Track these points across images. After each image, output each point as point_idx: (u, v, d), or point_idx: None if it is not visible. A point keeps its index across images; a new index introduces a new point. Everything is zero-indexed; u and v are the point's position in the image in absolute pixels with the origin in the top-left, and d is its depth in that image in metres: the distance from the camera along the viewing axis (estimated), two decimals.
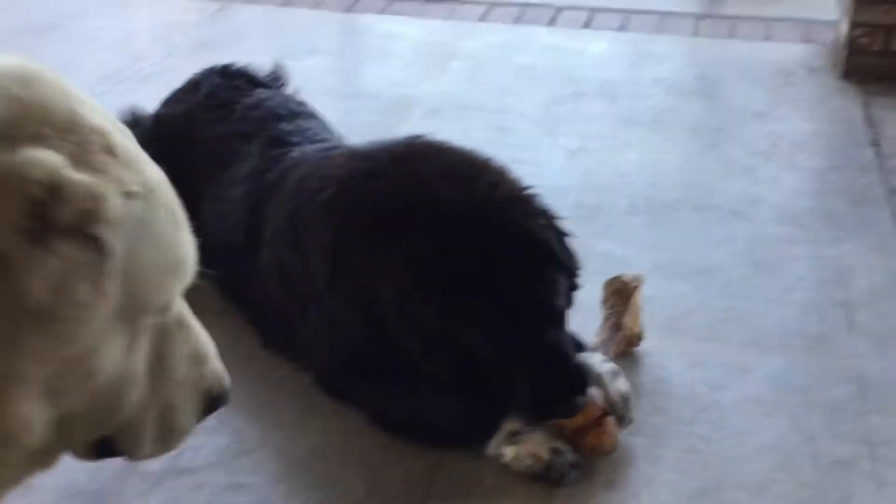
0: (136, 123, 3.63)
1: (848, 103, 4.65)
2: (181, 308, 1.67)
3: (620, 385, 2.70)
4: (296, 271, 2.87)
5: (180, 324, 1.65)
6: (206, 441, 2.72)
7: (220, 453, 2.68)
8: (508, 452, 2.57)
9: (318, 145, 3.24)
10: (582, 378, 2.56)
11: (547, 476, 2.54)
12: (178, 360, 1.66)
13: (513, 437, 2.58)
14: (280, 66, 3.78)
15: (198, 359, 1.71)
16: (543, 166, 4.16)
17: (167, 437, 1.74)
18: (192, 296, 1.71)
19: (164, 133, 3.48)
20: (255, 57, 3.91)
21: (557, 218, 2.77)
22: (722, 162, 4.20)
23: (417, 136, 2.93)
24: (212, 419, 2.71)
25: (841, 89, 4.78)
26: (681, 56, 5.26)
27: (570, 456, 2.56)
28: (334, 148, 3.19)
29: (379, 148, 2.91)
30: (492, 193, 2.67)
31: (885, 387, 2.90)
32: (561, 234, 2.74)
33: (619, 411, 2.66)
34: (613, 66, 5.14)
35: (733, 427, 2.76)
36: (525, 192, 2.75)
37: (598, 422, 2.61)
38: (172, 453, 2.58)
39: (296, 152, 3.19)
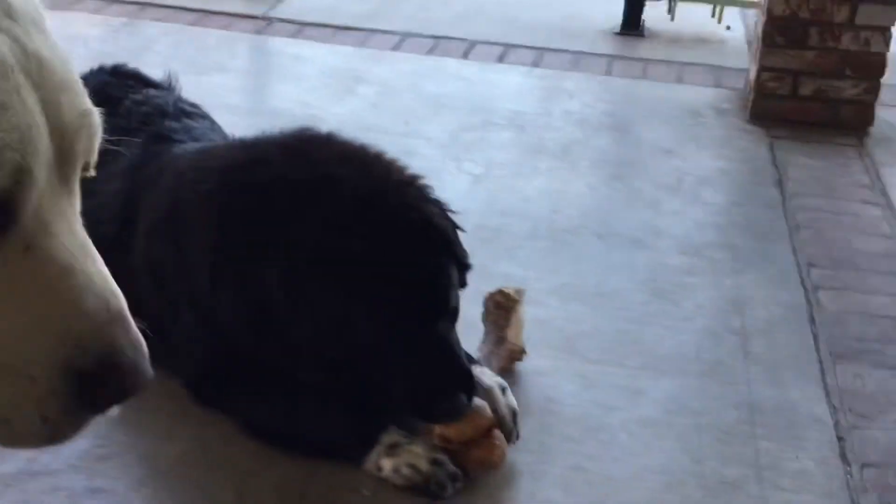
0: None
1: (754, 144, 4.65)
2: (46, 233, 1.24)
3: (510, 398, 2.61)
4: (171, 269, 2.74)
5: (31, 251, 1.22)
6: (69, 443, 2.55)
7: (81, 457, 2.52)
8: (386, 465, 2.45)
9: (197, 145, 3.11)
10: (468, 377, 2.45)
11: (426, 488, 2.43)
12: (13, 305, 1.21)
13: (391, 450, 2.46)
14: (173, 73, 3.65)
15: (60, 312, 1.22)
16: (446, 190, 3.98)
17: (5, 417, 1.24)
18: None
19: None
20: (157, 70, 3.80)
21: (450, 211, 2.67)
22: (626, 193, 4.16)
23: (306, 128, 2.82)
24: None
25: (748, 131, 4.79)
26: (592, 93, 5.23)
27: (450, 467, 2.44)
28: (217, 143, 3.07)
29: (264, 139, 2.79)
30: (389, 176, 2.59)
31: (774, 413, 2.85)
32: (454, 226, 2.64)
33: (507, 426, 2.57)
34: (524, 99, 5.10)
35: (622, 447, 2.68)
36: (421, 181, 2.66)
37: (487, 434, 2.51)
38: (31, 454, 2.48)
39: (177, 148, 3.07)
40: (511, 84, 5.28)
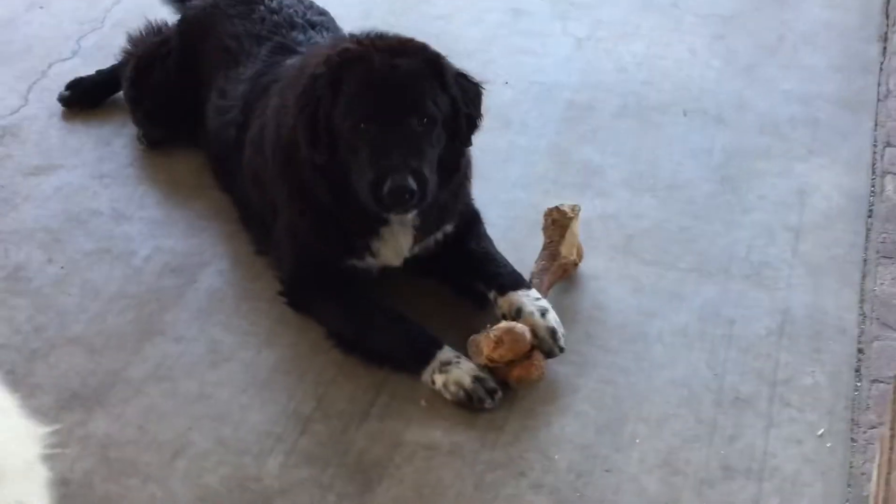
0: (158, 31, 3.93)
1: None
2: None
3: (549, 321, 2.98)
4: (264, 178, 3.21)
5: None
6: (186, 349, 3.10)
7: (197, 363, 3.06)
8: (438, 380, 2.91)
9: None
10: (405, 169, 2.87)
11: (470, 401, 2.88)
12: None
13: (444, 367, 2.91)
14: None
15: None
16: (547, 58, 4.32)
17: None
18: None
19: (190, 21, 3.80)
20: None
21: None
22: (724, 58, 4.28)
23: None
24: (193, 327, 3.13)
25: None
26: None
27: (489, 384, 2.88)
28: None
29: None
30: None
31: (804, 322, 3.12)
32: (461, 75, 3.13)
33: (546, 346, 2.95)
34: None
35: (653, 359, 3.03)
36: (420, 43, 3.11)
37: (527, 355, 2.91)
38: (156, 359, 3.04)
39: (291, 60, 3.44)
40: None
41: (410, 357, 2.98)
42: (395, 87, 2.94)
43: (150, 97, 3.80)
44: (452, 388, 2.89)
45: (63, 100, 4.00)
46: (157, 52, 3.82)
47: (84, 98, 4.01)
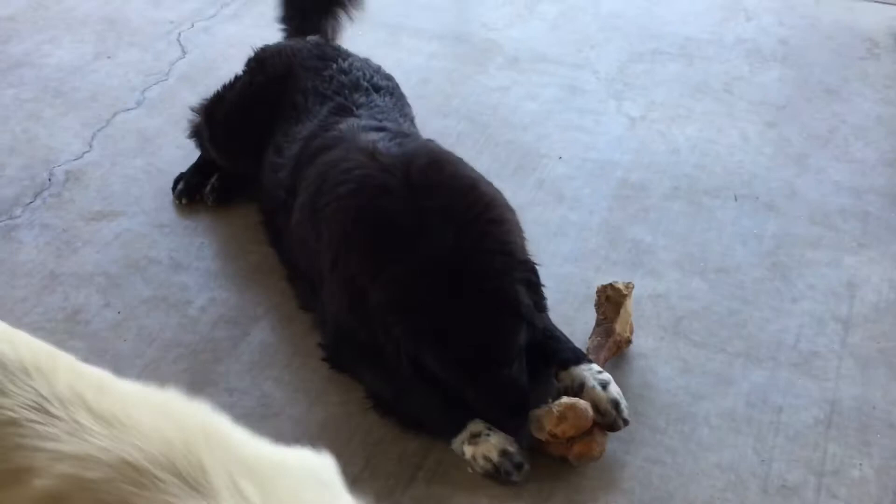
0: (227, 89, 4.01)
1: None
2: None
3: (612, 392, 2.99)
4: (312, 246, 3.25)
5: None
6: (237, 401, 3.14)
7: (248, 415, 3.09)
8: (468, 451, 2.93)
9: (364, 122, 3.53)
10: (519, 408, 2.91)
11: (497, 475, 2.90)
12: None
13: (473, 439, 2.94)
14: None
15: None
16: (600, 136, 4.38)
17: None
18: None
19: (268, 56, 3.90)
20: None
21: (534, 270, 3.09)
22: (775, 145, 4.32)
23: (434, 154, 3.25)
24: (245, 380, 3.16)
25: None
26: (771, 13, 5.29)
27: (516, 458, 2.89)
28: (375, 129, 3.45)
29: (399, 159, 3.17)
30: (478, 245, 2.99)
31: (852, 414, 3.12)
32: (533, 284, 3.06)
33: (609, 418, 2.96)
34: (700, 21, 5.21)
35: (700, 441, 3.04)
36: (508, 246, 3.04)
37: (588, 432, 2.93)
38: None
39: (344, 125, 3.50)
40: (687, 3, 5.38)
41: (441, 424, 3.00)
42: (486, 347, 2.91)
43: (222, 122, 3.86)
44: (481, 461, 2.91)
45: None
46: (228, 86, 3.93)
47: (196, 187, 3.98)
